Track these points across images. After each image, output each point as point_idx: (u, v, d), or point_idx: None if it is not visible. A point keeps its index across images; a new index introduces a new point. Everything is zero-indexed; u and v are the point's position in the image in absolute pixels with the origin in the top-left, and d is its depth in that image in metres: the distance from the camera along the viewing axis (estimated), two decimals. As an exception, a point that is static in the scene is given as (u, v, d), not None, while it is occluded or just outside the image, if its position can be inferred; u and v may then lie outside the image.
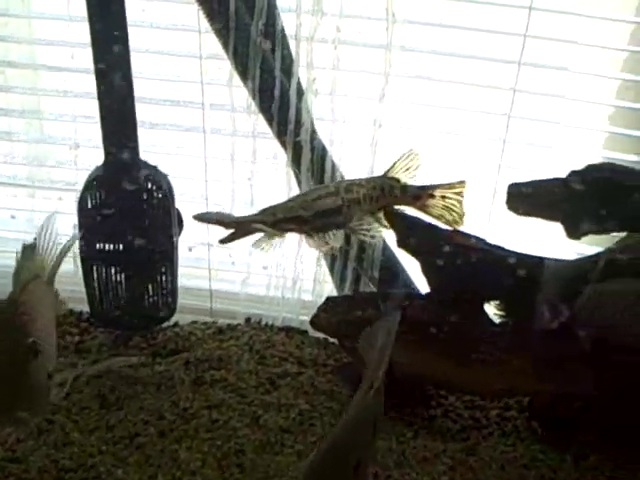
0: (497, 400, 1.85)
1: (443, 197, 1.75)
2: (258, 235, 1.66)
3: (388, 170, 1.75)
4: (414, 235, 1.77)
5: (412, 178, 1.77)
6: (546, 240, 1.94)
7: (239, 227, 1.65)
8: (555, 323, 1.58)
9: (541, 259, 1.67)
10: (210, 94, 2.07)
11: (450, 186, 1.75)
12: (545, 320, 1.58)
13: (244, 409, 1.73)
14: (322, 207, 1.69)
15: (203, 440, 1.63)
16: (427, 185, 1.76)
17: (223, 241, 1.68)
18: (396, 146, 2.05)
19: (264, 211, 1.68)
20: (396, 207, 1.76)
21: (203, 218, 1.68)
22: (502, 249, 1.72)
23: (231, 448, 1.61)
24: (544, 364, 1.65)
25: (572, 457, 1.65)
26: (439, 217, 1.76)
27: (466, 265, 1.70)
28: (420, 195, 1.75)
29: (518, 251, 1.72)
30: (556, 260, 1.70)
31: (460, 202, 1.75)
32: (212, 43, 1.96)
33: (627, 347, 1.56)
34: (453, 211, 1.75)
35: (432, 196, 1.75)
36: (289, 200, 1.73)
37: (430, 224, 1.77)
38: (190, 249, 2.26)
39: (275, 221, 1.64)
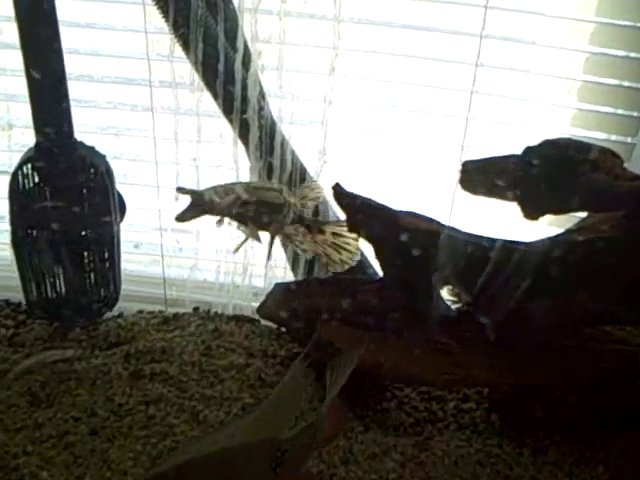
0: (455, 391, 1.76)
1: (334, 234, 1.72)
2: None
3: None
4: (365, 217, 1.67)
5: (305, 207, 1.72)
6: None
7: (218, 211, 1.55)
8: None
9: (497, 241, 1.57)
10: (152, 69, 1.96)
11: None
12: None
13: (183, 404, 1.62)
14: (265, 198, 1.61)
15: (137, 438, 1.53)
16: (319, 220, 1.74)
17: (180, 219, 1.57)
18: (348, 123, 1.97)
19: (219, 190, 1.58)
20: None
21: (184, 217, 1.56)
22: (457, 231, 1.62)
23: (166, 446, 1.51)
24: (501, 352, 1.56)
25: (530, 451, 1.56)
26: (324, 255, 1.72)
27: (418, 248, 1.60)
28: (311, 227, 1.71)
29: (474, 233, 1.61)
30: (515, 242, 1.60)
31: (353, 243, 1.71)
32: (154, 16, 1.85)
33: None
34: (344, 250, 1.72)
35: (322, 232, 1.71)
36: (231, 184, 1.63)
37: (382, 205, 1.67)
38: (137, 246, 2.17)
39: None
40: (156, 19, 1.86)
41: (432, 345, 1.60)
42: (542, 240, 1.55)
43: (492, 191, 1.58)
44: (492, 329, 1.46)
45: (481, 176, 1.58)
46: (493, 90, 1.99)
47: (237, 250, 1.76)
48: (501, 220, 1.93)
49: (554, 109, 2.05)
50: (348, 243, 1.71)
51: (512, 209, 1.66)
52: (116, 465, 1.46)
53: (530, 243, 1.56)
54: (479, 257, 1.52)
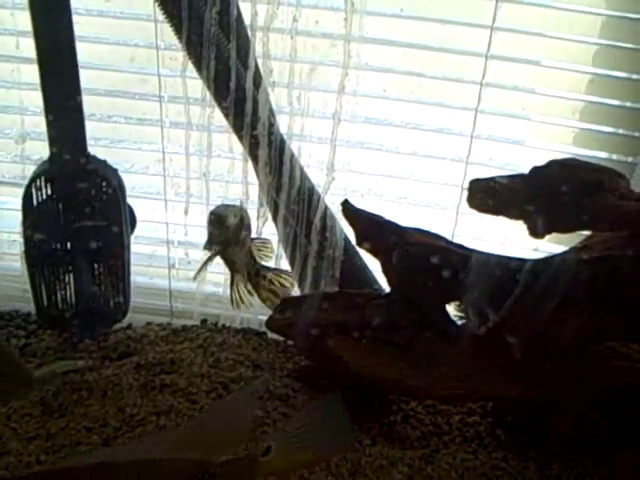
0: (460, 405, 1.78)
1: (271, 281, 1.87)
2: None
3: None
4: (373, 233, 1.70)
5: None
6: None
7: None
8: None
9: (503, 258, 1.60)
10: (164, 85, 1.99)
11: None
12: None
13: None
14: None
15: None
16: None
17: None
18: (357, 140, 2.01)
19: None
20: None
21: None
22: (464, 248, 1.66)
23: (178, 457, 1.53)
24: (507, 368, 1.58)
25: (535, 465, 1.58)
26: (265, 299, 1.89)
27: (426, 264, 1.63)
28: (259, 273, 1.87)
29: (481, 250, 1.65)
30: (521, 259, 1.63)
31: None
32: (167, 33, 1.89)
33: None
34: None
35: (264, 277, 1.88)
36: None
37: (390, 221, 1.70)
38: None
39: None
40: (168, 36, 1.90)
41: (439, 360, 1.62)
42: (548, 258, 1.58)
43: (499, 209, 1.61)
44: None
45: (488, 194, 1.60)
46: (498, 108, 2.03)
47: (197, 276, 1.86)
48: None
49: (556, 129, 2.09)
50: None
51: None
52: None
53: (536, 260, 1.59)
54: (504, 277, 1.54)
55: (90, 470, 1.10)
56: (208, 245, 1.72)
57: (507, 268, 1.55)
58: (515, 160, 2.09)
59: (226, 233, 1.72)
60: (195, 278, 1.85)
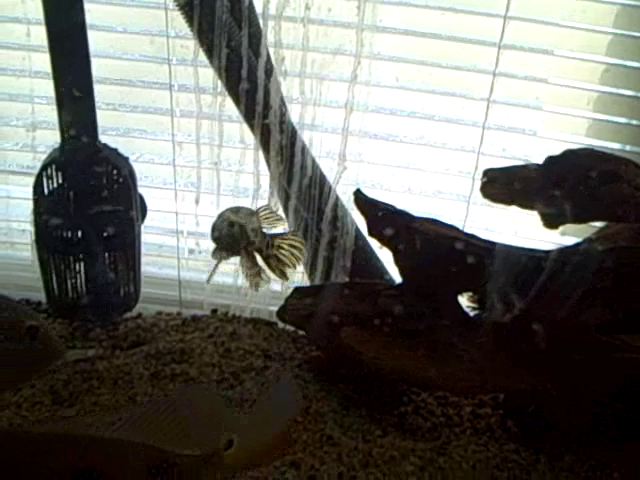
0: (471, 397, 1.77)
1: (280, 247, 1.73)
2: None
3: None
4: (385, 223, 1.69)
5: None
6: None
7: None
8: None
9: (517, 249, 1.59)
10: (175, 74, 1.98)
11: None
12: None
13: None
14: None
15: (159, 438, 1.54)
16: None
17: None
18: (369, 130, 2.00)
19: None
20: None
21: None
22: (477, 238, 1.64)
23: (188, 446, 1.52)
24: (519, 359, 1.57)
25: (546, 457, 1.58)
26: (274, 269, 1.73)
27: (438, 254, 1.62)
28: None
29: (494, 240, 1.63)
30: (534, 250, 1.62)
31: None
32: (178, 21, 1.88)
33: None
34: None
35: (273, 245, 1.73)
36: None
37: (402, 211, 1.69)
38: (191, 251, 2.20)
39: None
40: (179, 24, 1.89)
41: (452, 351, 1.61)
42: (564, 248, 1.57)
43: (513, 199, 1.60)
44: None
45: (502, 184, 1.59)
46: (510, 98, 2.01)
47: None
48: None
49: (569, 119, 2.07)
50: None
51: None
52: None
53: (551, 251, 1.58)
54: (530, 266, 1.53)
55: (37, 439, 1.06)
56: (216, 253, 1.68)
57: (528, 258, 1.53)
58: (527, 150, 2.07)
59: (229, 241, 1.68)
60: (208, 281, 1.82)
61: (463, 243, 1.63)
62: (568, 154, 1.55)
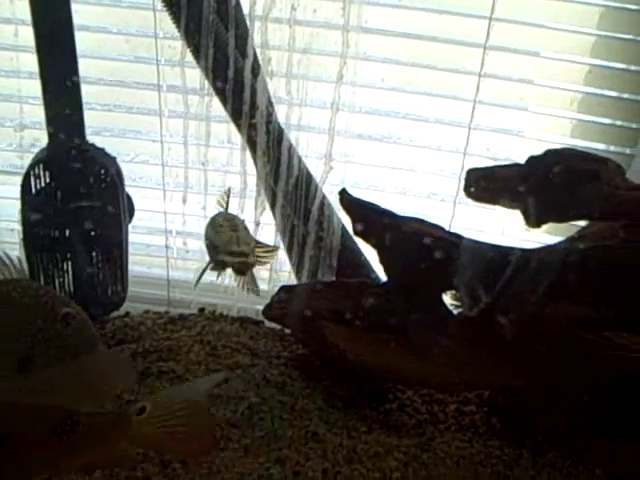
0: (455, 394, 1.79)
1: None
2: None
3: None
4: (370, 221, 1.71)
5: None
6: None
7: None
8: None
9: (500, 247, 1.61)
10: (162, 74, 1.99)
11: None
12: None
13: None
14: None
15: (145, 435, 1.55)
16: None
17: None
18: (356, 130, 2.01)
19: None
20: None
21: None
22: (460, 237, 1.66)
23: (174, 443, 1.53)
24: (502, 356, 1.59)
25: (529, 453, 1.59)
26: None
27: (422, 253, 1.64)
28: None
29: (477, 239, 1.65)
30: (517, 249, 1.64)
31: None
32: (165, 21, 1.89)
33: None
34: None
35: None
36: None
37: (387, 210, 1.71)
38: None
39: None
40: (167, 24, 1.90)
41: (435, 348, 1.62)
42: (545, 247, 1.59)
43: (495, 199, 1.62)
44: (509, 329, 1.49)
45: (485, 184, 1.61)
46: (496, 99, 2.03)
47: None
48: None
49: (554, 120, 2.09)
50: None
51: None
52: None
53: (532, 250, 1.60)
54: (498, 262, 1.55)
55: None
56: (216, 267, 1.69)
57: (500, 255, 1.55)
58: (513, 151, 2.09)
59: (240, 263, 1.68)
60: (195, 287, 1.83)
61: (447, 242, 1.64)
62: (549, 154, 1.57)
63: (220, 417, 1.61)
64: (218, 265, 1.66)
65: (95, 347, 1.32)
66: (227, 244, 1.63)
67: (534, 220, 1.56)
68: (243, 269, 1.66)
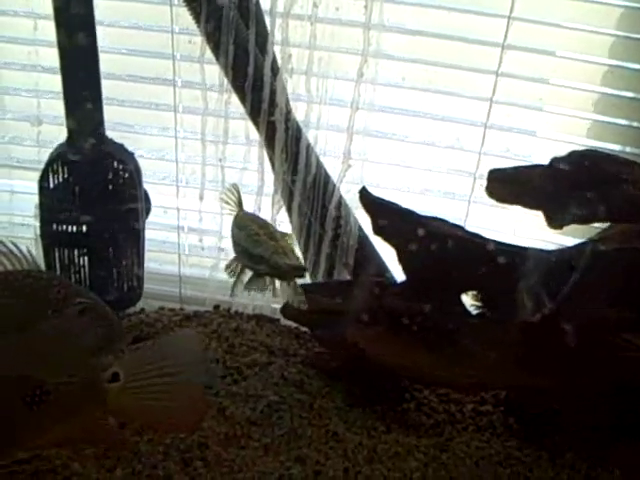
0: (473, 394, 1.79)
1: None
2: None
3: None
4: (391, 221, 1.70)
5: None
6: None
7: None
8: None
9: (521, 248, 1.61)
10: (181, 70, 1.99)
11: None
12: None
13: (209, 400, 1.65)
14: None
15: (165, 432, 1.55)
16: None
17: None
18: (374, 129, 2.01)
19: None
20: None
21: None
22: (481, 237, 1.66)
23: (195, 441, 1.53)
24: (522, 358, 1.59)
25: (548, 454, 1.59)
26: None
27: (443, 253, 1.63)
28: None
29: (497, 240, 1.65)
30: (538, 250, 1.64)
31: None
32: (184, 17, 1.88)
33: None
34: None
35: None
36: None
37: (408, 209, 1.70)
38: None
39: None
40: (184, 20, 1.90)
41: (455, 349, 1.62)
42: (568, 249, 1.59)
43: (518, 200, 1.61)
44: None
45: (507, 185, 1.61)
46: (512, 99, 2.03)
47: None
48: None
49: (570, 120, 2.09)
50: None
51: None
52: (146, 458, 1.48)
53: (554, 251, 1.60)
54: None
55: None
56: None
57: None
58: (528, 151, 2.09)
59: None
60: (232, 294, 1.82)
61: (467, 242, 1.64)
62: (573, 155, 1.57)
63: (240, 415, 1.61)
64: (260, 275, 1.66)
65: (120, 341, 1.30)
66: (273, 255, 1.63)
67: (558, 222, 1.56)
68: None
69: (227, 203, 1.80)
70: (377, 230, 1.72)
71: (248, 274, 1.72)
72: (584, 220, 1.58)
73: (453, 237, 1.65)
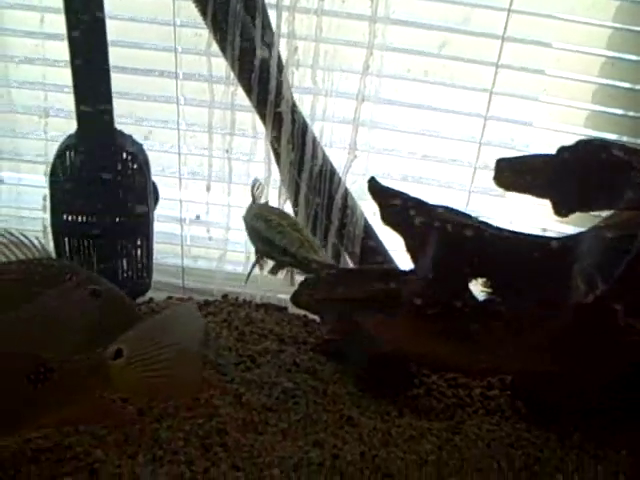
0: (480, 378, 1.83)
1: None
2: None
3: None
4: (399, 210, 1.73)
5: None
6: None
7: None
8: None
9: (530, 236, 1.64)
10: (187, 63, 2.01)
11: None
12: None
13: (225, 387, 1.67)
14: None
15: (184, 419, 1.56)
16: None
17: None
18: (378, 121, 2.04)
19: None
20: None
21: None
22: (489, 225, 1.69)
23: (213, 427, 1.55)
24: (532, 343, 1.62)
25: (556, 436, 1.63)
26: None
27: (451, 241, 1.67)
28: None
29: (506, 228, 1.68)
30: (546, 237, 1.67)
31: None
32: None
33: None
34: None
35: None
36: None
37: (416, 198, 1.73)
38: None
39: None
40: (188, 12, 1.91)
41: (466, 335, 1.65)
42: (575, 236, 1.63)
43: (525, 188, 1.65)
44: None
45: (514, 174, 1.64)
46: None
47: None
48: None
49: (568, 110, 2.13)
50: None
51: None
52: (167, 444, 1.50)
53: (561, 238, 1.63)
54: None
55: None
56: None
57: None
58: (526, 140, 2.13)
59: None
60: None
61: (475, 230, 1.67)
62: (580, 144, 1.60)
63: (256, 402, 1.64)
64: (279, 265, 1.69)
65: (134, 321, 1.28)
66: (299, 248, 1.69)
67: (565, 210, 1.59)
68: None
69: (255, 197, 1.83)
70: (385, 219, 1.75)
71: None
72: (592, 208, 1.62)
73: (461, 225, 1.68)
